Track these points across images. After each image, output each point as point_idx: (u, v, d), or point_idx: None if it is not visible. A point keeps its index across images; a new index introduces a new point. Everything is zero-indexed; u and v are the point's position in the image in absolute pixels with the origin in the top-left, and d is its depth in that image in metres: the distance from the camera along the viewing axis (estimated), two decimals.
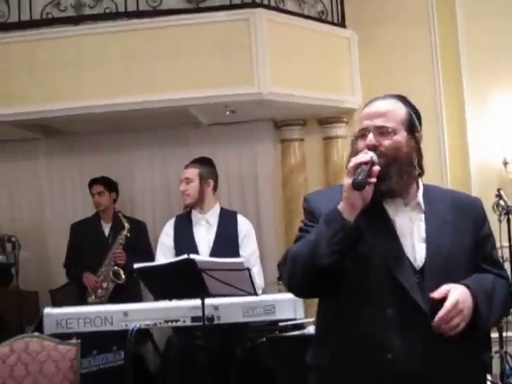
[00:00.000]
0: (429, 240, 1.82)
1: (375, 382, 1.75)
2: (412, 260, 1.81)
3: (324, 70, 5.06)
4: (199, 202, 3.88)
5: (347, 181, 1.73)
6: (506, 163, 5.27)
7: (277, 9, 4.87)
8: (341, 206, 1.75)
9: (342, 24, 5.34)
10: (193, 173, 3.89)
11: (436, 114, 5.39)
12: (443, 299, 1.72)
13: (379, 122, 1.83)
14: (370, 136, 1.81)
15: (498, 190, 4.18)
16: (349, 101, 5.22)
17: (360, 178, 1.70)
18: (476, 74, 5.38)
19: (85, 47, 4.73)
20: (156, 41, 4.69)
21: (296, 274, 1.79)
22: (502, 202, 4.05)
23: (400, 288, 1.76)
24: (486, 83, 5.36)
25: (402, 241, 1.82)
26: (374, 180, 1.74)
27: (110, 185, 4.94)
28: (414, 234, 1.84)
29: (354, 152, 1.84)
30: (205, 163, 4.01)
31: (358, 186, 1.71)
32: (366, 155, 1.76)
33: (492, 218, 4.01)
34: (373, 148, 1.79)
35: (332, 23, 5.27)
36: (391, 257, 1.78)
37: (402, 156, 1.82)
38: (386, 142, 1.81)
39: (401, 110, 1.88)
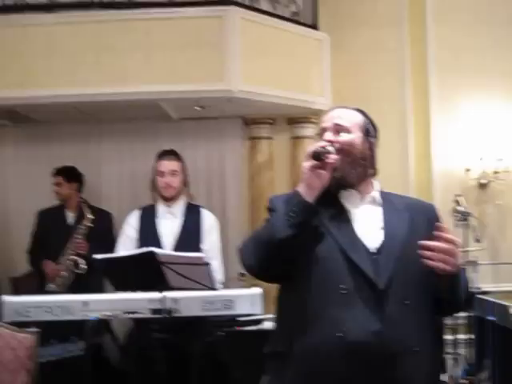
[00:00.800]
0: (386, 227, 1.93)
1: (331, 360, 1.80)
2: (367, 244, 1.89)
3: (295, 71, 5.12)
4: (179, 195, 3.91)
5: (305, 163, 1.85)
6: (468, 170, 5.40)
7: (250, 7, 4.91)
8: (300, 188, 1.86)
9: (314, 26, 5.40)
10: (177, 165, 3.92)
11: (403, 118, 5.50)
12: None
13: (337, 121, 1.99)
14: (328, 133, 1.97)
15: (457, 196, 4.28)
16: (318, 102, 5.29)
17: (320, 150, 1.85)
18: (443, 81, 5.49)
19: (57, 35, 4.70)
20: (129, 33, 4.68)
21: (255, 254, 1.87)
22: (460, 208, 4.15)
23: (354, 267, 1.84)
24: (452, 91, 5.48)
25: (357, 227, 1.92)
26: (330, 161, 1.85)
27: (70, 175, 4.93)
28: (370, 222, 1.94)
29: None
30: (180, 157, 4.03)
31: (317, 155, 1.83)
32: (324, 142, 1.90)
33: (449, 222, 4.12)
34: (330, 144, 1.91)
35: (305, 25, 5.33)
36: (345, 239, 1.88)
37: (355, 152, 1.96)
38: (341, 139, 1.96)
39: (358, 117, 2.05)
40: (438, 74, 5.51)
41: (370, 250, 1.89)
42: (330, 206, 1.93)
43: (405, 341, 1.81)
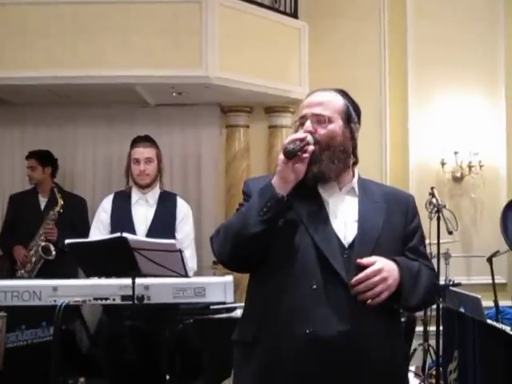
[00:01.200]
0: (361, 220, 1.90)
1: (296, 355, 1.79)
2: (341, 238, 1.87)
3: (273, 59, 5.10)
4: (154, 182, 3.86)
5: (281, 155, 1.82)
6: (443, 163, 5.44)
7: None
8: (274, 180, 1.83)
9: (294, 14, 5.38)
10: (152, 153, 3.85)
11: (380, 110, 5.52)
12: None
13: (317, 110, 1.92)
14: (308, 123, 1.90)
15: (432, 189, 4.29)
16: (296, 91, 5.27)
17: (291, 147, 1.81)
18: (421, 74, 5.51)
19: (32, 16, 4.63)
20: (106, 16, 4.62)
21: (227, 244, 1.85)
22: (434, 200, 4.17)
23: (326, 262, 1.82)
24: (430, 84, 5.50)
25: (333, 220, 1.89)
26: (306, 155, 1.83)
27: (44, 159, 4.86)
28: (346, 215, 1.91)
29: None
30: (155, 143, 3.97)
31: (288, 153, 1.81)
32: (303, 134, 1.86)
33: (424, 214, 4.14)
34: (310, 134, 1.88)
35: (284, 13, 5.31)
36: (319, 233, 1.85)
37: (335, 144, 1.90)
38: (322, 131, 1.90)
39: (339, 101, 1.97)
40: (417, 67, 5.52)
41: (345, 245, 1.86)
42: (308, 196, 1.90)
43: (373, 337, 1.81)
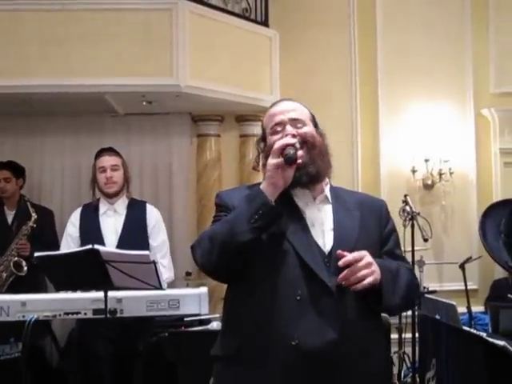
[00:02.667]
0: (336, 228, 1.87)
1: (282, 368, 1.75)
2: (321, 246, 1.84)
3: (244, 68, 5.08)
4: (121, 191, 3.80)
5: (272, 161, 1.78)
6: (414, 171, 5.48)
7: (200, 2, 4.83)
8: (263, 186, 1.79)
9: (265, 23, 5.37)
10: (118, 161, 3.80)
11: (351, 118, 5.54)
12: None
13: (293, 115, 1.92)
14: (289, 127, 1.89)
15: (405, 196, 4.32)
16: (267, 100, 5.21)
17: (291, 152, 1.77)
18: (391, 83, 5.57)
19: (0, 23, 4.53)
20: (74, 23, 4.55)
21: (213, 253, 1.78)
22: (407, 208, 4.18)
23: (309, 271, 1.78)
24: (400, 93, 5.56)
25: (312, 229, 1.86)
26: (299, 161, 1.81)
27: (17, 171, 4.72)
28: (323, 223, 1.88)
29: (270, 146, 1.87)
30: (119, 154, 3.92)
31: (289, 159, 1.77)
32: (292, 139, 1.82)
33: (397, 223, 4.14)
34: (293, 137, 1.85)
35: (255, 21, 5.29)
36: (300, 242, 1.82)
37: (318, 144, 1.91)
38: (303, 130, 1.90)
39: (305, 109, 2.00)
40: (386, 77, 5.57)
41: (324, 252, 1.83)
42: (285, 205, 1.85)
43: (359, 346, 1.78)
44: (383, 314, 2.03)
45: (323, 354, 1.73)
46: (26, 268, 4.34)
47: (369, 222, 1.92)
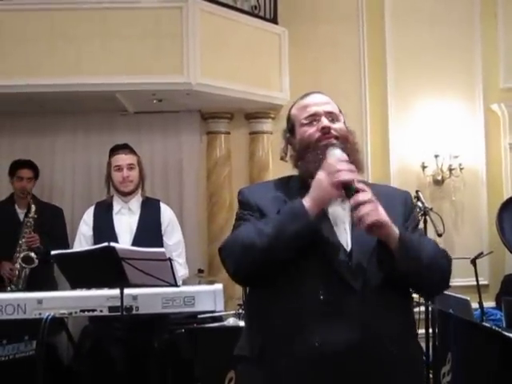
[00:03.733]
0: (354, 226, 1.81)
1: (305, 368, 1.73)
2: (344, 244, 1.80)
3: (254, 65, 5.08)
4: (137, 189, 3.80)
5: (323, 176, 1.73)
6: (424, 167, 5.47)
7: (210, 0, 4.84)
8: (307, 201, 1.74)
9: (274, 20, 5.37)
10: (134, 159, 3.79)
11: (360, 115, 5.54)
12: None
13: (328, 108, 1.88)
14: (324, 119, 1.85)
15: (417, 192, 4.29)
16: (277, 97, 5.27)
17: (354, 187, 1.71)
18: (400, 78, 5.56)
19: (9, 22, 4.55)
20: (85, 22, 4.56)
21: (248, 263, 1.75)
22: (419, 204, 4.17)
23: (332, 272, 1.75)
24: (409, 88, 5.56)
25: (336, 227, 1.82)
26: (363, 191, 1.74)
27: (37, 171, 4.75)
28: (345, 222, 1.83)
29: (307, 137, 1.84)
30: (134, 151, 3.90)
31: (351, 190, 1.71)
32: (355, 174, 1.74)
33: None
34: (327, 130, 1.82)
35: (264, 19, 5.30)
36: (325, 243, 1.78)
37: (351, 140, 1.87)
38: (337, 126, 1.86)
39: (336, 104, 1.94)
40: (396, 72, 5.58)
41: (347, 251, 1.79)
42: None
43: (384, 346, 1.74)
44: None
45: (347, 353, 1.70)
46: (36, 260, 4.36)
47: (391, 216, 1.80)
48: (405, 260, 1.73)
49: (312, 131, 1.85)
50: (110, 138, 5.09)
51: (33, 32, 4.54)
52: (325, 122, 1.85)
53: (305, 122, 1.88)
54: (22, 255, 4.38)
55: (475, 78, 5.63)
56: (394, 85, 5.57)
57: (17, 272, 4.39)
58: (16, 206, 4.70)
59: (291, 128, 1.94)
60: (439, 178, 5.49)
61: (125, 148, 3.85)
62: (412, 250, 1.75)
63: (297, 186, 1.88)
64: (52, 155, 5.38)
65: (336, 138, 1.84)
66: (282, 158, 1.94)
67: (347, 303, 1.74)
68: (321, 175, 1.74)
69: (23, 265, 4.38)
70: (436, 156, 5.44)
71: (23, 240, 4.42)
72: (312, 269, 1.77)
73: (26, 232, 4.42)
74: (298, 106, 1.93)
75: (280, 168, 2.11)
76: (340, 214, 1.85)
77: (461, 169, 5.45)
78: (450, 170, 5.45)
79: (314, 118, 1.87)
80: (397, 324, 1.79)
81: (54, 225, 4.61)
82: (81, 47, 4.53)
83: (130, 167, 3.74)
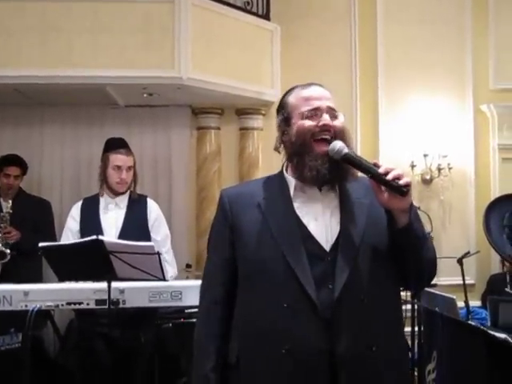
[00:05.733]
0: (343, 220, 1.81)
1: (276, 375, 1.73)
2: (323, 241, 1.78)
3: (245, 61, 5.08)
4: (129, 189, 3.77)
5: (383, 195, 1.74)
6: (413, 166, 5.49)
7: None
8: None
9: (266, 16, 5.37)
10: (132, 161, 3.74)
11: (351, 113, 5.54)
12: None
13: (331, 104, 1.86)
14: (326, 116, 1.82)
15: None
16: (268, 93, 5.27)
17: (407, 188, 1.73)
18: (391, 76, 5.58)
19: (0, 14, 4.50)
20: (77, 15, 4.54)
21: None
22: None
23: (296, 278, 1.73)
24: (400, 87, 5.58)
25: (313, 223, 1.80)
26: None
27: (25, 168, 4.71)
28: (328, 217, 1.81)
29: (305, 130, 1.82)
30: (131, 150, 3.84)
31: (402, 192, 1.72)
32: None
33: None
34: (328, 128, 1.81)
35: (256, 14, 5.29)
36: (290, 244, 1.77)
37: (346, 139, 1.85)
38: (337, 123, 1.84)
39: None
40: (386, 70, 5.59)
41: (326, 249, 1.77)
42: (280, 206, 1.83)
43: (356, 348, 1.72)
44: None
45: (313, 361, 1.70)
46: (9, 256, 4.32)
47: (379, 209, 1.80)
48: (411, 238, 1.77)
49: (311, 125, 1.82)
50: (99, 131, 5.09)
51: (24, 24, 4.51)
52: (327, 119, 1.82)
53: (307, 114, 1.84)
54: None
55: (465, 79, 5.66)
56: (385, 82, 5.59)
57: None
58: (1, 200, 4.67)
59: (287, 118, 1.88)
60: (428, 177, 5.52)
61: (125, 146, 3.76)
62: (418, 230, 1.80)
63: (283, 186, 1.88)
64: (40, 147, 5.35)
65: (333, 135, 1.82)
66: (277, 149, 1.91)
67: (310, 309, 1.72)
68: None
69: None
70: (425, 155, 5.47)
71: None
72: (276, 273, 1.76)
73: (0, 227, 4.38)
74: (298, 95, 1.89)
75: (270, 164, 2.11)
76: (319, 209, 1.83)
77: (449, 168, 5.48)
78: (439, 169, 5.48)
79: (316, 112, 1.84)
80: (383, 322, 1.78)
81: (41, 217, 4.59)
82: (72, 40, 4.51)
83: (129, 169, 3.70)
